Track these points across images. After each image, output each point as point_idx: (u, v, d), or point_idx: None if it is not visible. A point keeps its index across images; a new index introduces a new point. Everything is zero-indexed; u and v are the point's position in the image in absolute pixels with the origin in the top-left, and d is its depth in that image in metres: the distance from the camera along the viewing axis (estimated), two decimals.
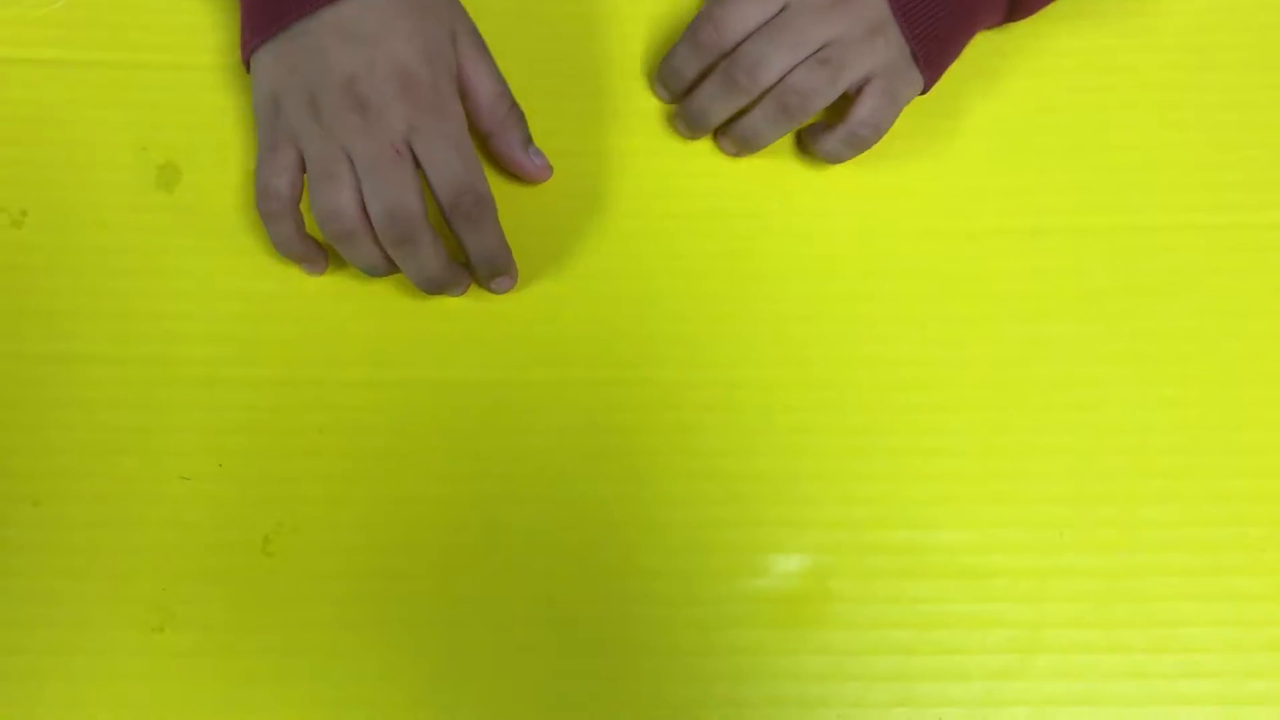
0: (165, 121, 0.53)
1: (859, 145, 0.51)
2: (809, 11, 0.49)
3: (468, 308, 0.51)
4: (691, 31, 0.50)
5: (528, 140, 0.51)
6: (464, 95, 0.49)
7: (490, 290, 0.50)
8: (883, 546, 0.49)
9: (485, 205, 0.47)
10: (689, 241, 0.52)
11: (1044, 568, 0.49)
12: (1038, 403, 0.50)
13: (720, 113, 0.50)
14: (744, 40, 0.49)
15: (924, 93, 0.51)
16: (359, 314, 0.51)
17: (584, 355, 0.51)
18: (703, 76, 0.51)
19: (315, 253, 0.50)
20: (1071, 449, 0.50)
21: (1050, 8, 0.54)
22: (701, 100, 0.51)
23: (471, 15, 0.50)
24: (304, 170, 0.47)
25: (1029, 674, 0.48)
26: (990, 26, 0.53)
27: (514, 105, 0.50)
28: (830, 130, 0.51)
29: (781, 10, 0.49)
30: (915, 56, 0.50)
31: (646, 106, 0.54)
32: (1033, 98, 0.53)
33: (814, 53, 0.49)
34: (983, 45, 0.54)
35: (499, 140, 0.50)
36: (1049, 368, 0.50)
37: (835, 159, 0.51)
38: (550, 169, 0.51)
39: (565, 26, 0.55)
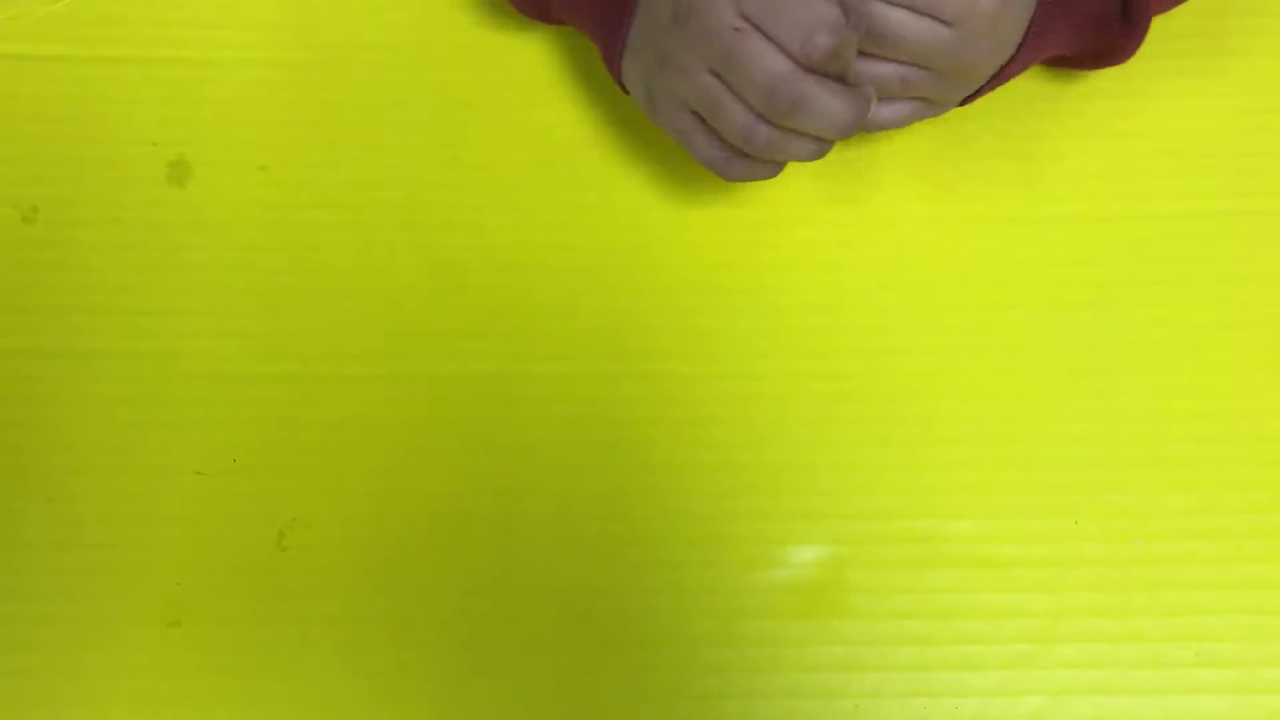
0: (175, 116, 0.53)
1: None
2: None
3: (479, 300, 0.51)
4: None
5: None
6: None
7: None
8: (899, 536, 0.49)
9: (839, 29, 0.41)
10: (702, 233, 0.52)
11: (1060, 557, 0.49)
12: (1052, 391, 0.50)
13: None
14: None
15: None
16: (370, 309, 0.51)
17: (597, 348, 0.51)
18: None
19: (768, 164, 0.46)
20: (1086, 437, 0.50)
21: None
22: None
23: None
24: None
25: (1046, 663, 0.48)
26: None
27: None
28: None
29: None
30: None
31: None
32: (1041, 84, 0.53)
33: None
34: None
35: None
36: (1063, 356, 0.50)
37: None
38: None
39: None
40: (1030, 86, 0.53)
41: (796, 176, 0.52)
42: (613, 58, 0.47)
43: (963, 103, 0.48)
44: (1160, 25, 0.53)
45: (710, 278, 0.51)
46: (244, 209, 0.52)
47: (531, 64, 0.54)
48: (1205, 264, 0.51)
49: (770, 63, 0.41)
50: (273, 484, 0.49)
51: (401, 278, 0.52)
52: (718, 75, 0.43)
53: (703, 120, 0.44)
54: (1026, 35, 0.45)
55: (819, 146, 0.44)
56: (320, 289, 0.52)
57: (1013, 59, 0.46)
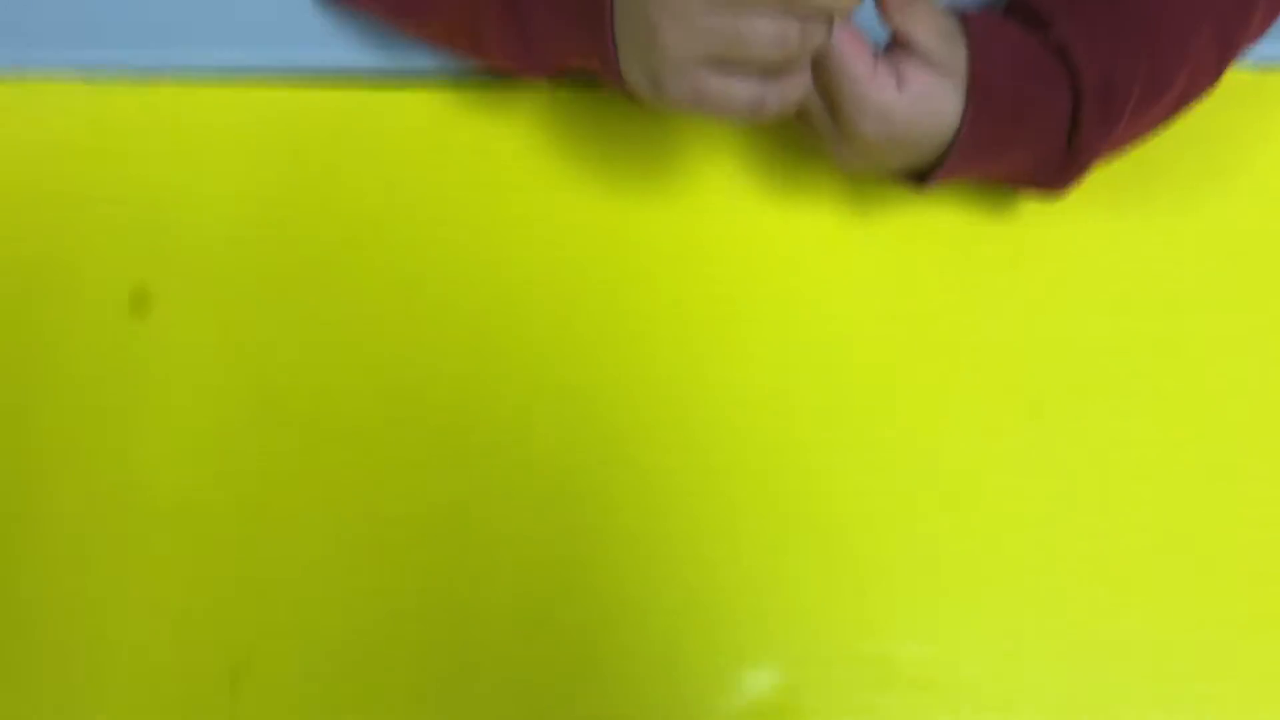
0: (139, 251, 0.54)
1: None
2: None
3: (435, 430, 0.52)
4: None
5: None
6: None
7: None
8: (851, 659, 0.50)
9: None
10: (652, 369, 0.53)
11: (1008, 676, 0.49)
12: (993, 514, 0.51)
13: None
14: None
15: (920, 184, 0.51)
16: (328, 441, 0.52)
17: (551, 481, 0.52)
18: None
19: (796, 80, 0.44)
20: (1029, 559, 0.51)
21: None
22: None
23: None
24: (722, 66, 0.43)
25: None
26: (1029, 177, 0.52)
27: None
28: None
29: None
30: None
31: (630, 221, 0.55)
32: (978, 206, 0.55)
33: None
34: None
35: None
36: (1006, 477, 0.52)
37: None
38: None
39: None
40: (966, 210, 0.55)
41: (739, 313, 0.54)
42: (609, 61, 0.46)
43: (921, 186, 0.50)
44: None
45: (660, 414, 0.52)
46: (205, 342, 0.53)
47: (486, 204, 0.55)
48: (1142, 381, 0.53)
49: None
50: (227, 622, 0.49)
51: (359, 409, 0.52)
52: (720, 9, 0.42)
53: (717, 68, 0.43)
54: (950, 152, 0.47)
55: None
56: (279, 420, 0.52)
57: (942, 165, 0.48)
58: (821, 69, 0.46)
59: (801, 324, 0.54)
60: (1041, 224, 0.55)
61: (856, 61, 0.46)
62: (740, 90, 0.43)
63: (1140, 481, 0.52)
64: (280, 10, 0.56)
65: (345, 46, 0.56)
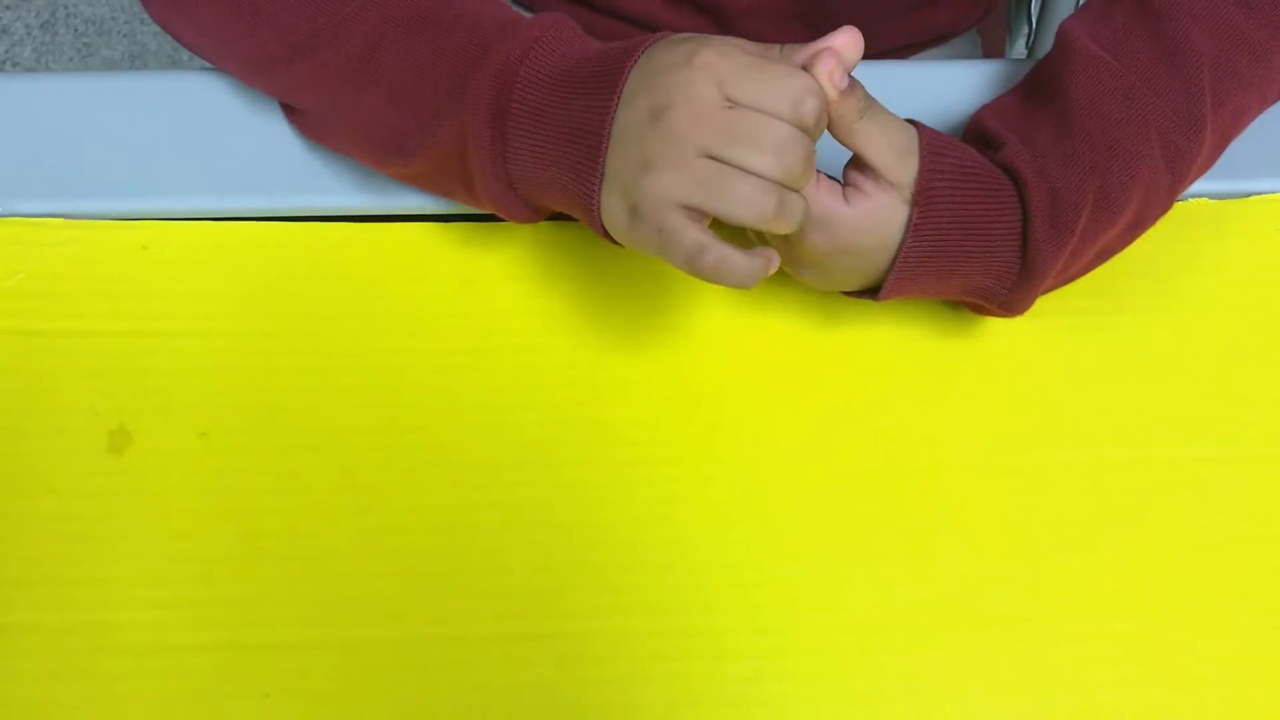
0: (117, 387, 0.55)
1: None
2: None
3: (417, 563, 0.52)
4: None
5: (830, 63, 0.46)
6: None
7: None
8: None
9: (813, 92, 0.45)
10: (631, 490, 0.53)
11: None
12: (981, 641, 0.51)
13: None
14: None
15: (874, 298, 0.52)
16: (306, 573, 0.51)
17: (531, 607, 0.51)
18: None
19: (756, 257, 0.46)
20: (1017, 688, 0.50)
21: None
22: None
23: None
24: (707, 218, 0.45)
25: None
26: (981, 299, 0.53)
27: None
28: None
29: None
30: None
31: (592, 352, 0.56)
32: (946, 341, 0.56)
33: None
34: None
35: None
36: (986, 605, 0.51)
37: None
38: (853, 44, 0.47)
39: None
40: (933, 344, 0.56)
41: (717, 434, 0.54)
42: (591, 190, 0.47)
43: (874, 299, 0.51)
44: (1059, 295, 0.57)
45: (640, 534, 0.52)
46: (183, 476, 0.53)
47: (467, 328, 0.56)
48: (1115, 510, 0.53)
49: (775, 128, 0.44)
50: None
51: (338, 541, 0.52)
52: (713, 157, 0.44)
53: (691, 215, 0.44)
54: (897, 261, 0.49)
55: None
56: (256, 555, 0.52)
57: (889, 275, 0.49)
58: None
59: (777, 440, 0.54)
60: (1010, 343, 0.56)
61: None
62: (704, 239, 0.44)
63: (1121, 607, 0.51)
64: (262, 159, 0.58)
65: (328, 191, 0.58)
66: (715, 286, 0.55)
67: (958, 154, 0.49)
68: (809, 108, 0.44)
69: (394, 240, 0.58)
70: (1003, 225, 0.49)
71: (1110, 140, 0.50)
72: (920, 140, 0.49)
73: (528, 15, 0.51)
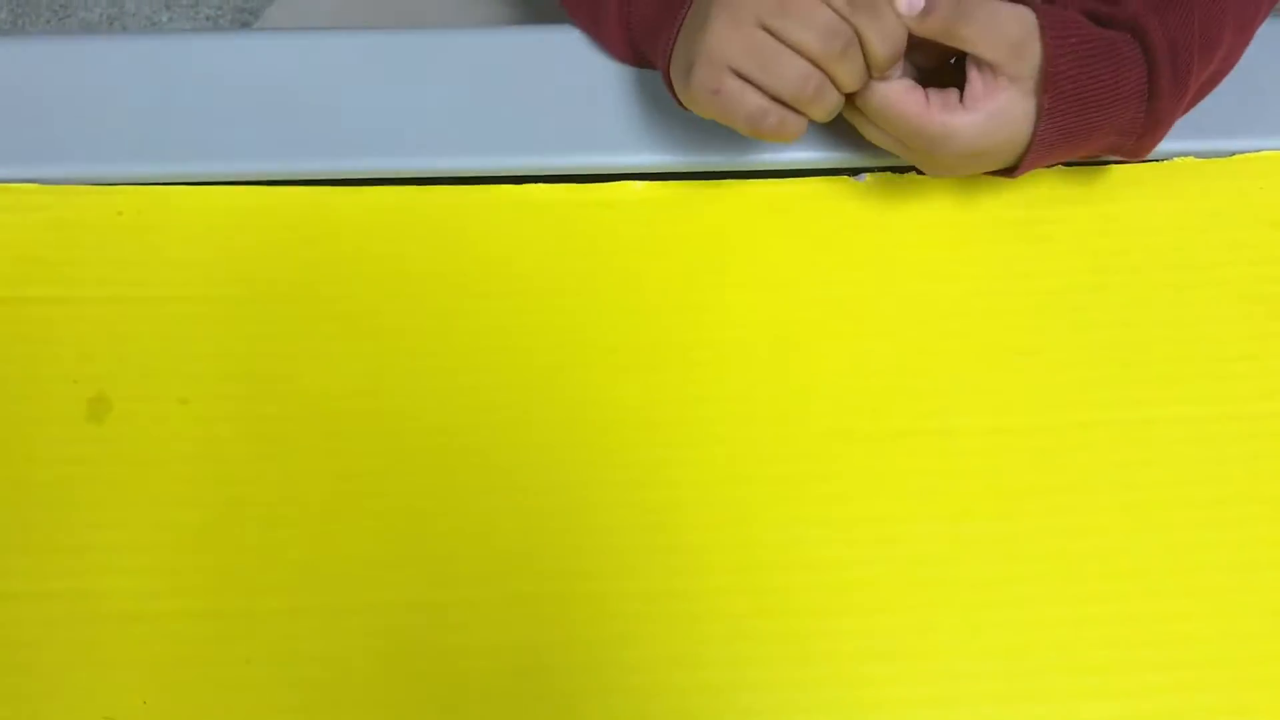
0: (96, 353, 0.54)
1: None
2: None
3: (398, 527, 0.52)
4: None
5: None
6: None
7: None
8: None
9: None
10: (616, 454, 0.53)
11: None
12: (965, 602, 0.51)
13: None
14: None
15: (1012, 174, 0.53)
16: (288, 540, 0.51)
17: (513, 572, 0.51)
18: None
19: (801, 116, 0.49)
20: (1001, 649, 0.50)
21: (944, 217, 0.57)
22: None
23: None
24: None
25: None
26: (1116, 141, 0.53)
27: None
28: None
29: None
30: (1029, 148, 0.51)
31: (576, 316, 0.55)
32: (941, 303, 0.56)
33: None
34: (890, 252, 0.56)
35: None
36: (973, 567, 0.51)
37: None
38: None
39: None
40: (923, 303, 0.55)
41: (699, 394, 0.54)
42: (669, 41, 0.51)
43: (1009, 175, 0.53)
44: (1048, 245, 0.56)
45: (623, 496, 0.52)
46: (163, 443, 0.53)
47: (449, 292, 0.55)
48: (1106, 472, 0.53)
49: (824, 12, 0.46)
50: None
51: (320, 507, 0.52)
52: (768, 28, 0.47)
53: (741, 77, 0.48)
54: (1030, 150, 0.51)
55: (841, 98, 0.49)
56: (238, 521, 0.52)
57: (1022, 161, 0.51)
58: (880, 116, 0.51)
59: (760, 418, 0.54)
60: (996, 303, 0.56)
61: (906, 103, 0.49)
62: (751, 100, 0.48)
63: (1106, 569, 0.51)
64: (239, 123, 0.58)
65: (305, 155, 0.57)
66: (696, 249, 0.56)
67: (1080, 29, 0.50)
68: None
69: (374, 204, 0.57)
70: (1129, 86, 0.50)
71: None
72: (1040, 23, 0.49)
73: None
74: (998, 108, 0.49)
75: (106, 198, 0.57)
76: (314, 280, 0.56)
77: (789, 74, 0.47)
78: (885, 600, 0.51)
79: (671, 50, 0.51)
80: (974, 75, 0.49)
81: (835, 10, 0.47)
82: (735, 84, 0.48)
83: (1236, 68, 0.55)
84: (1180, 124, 0.54)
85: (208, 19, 1.37)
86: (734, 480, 0.53)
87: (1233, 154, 0.58)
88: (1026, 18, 0.49)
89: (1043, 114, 0.49)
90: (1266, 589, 0.51)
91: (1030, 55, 0.49)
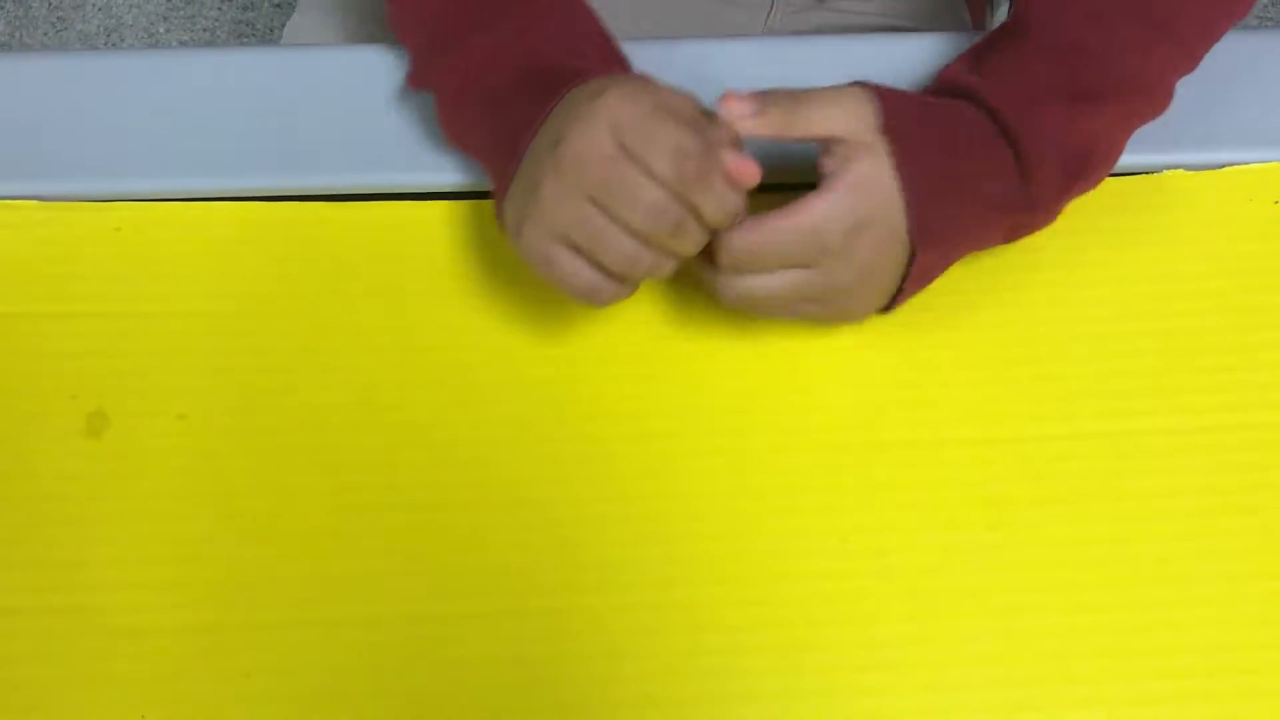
0: (94, 369, 0.54)
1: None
2: (817, 285, 0.49)
3: (396, 540, 0.52)
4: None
5: (733, 144, 0.47)
6: None
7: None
8: None
9: (708, 162, 0.45)
10: (608, 465, 0.53)
11: None
12: (957, 612, 0.51)
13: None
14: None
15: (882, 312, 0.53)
16: (285, 554, 0.51)
17: (510, 585, 0.51)
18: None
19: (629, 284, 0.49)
20: (993, 657, 0.50)
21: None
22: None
23: None
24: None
25: None
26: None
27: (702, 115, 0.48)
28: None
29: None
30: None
31: (569, 329, 0.56)
32: (932, 315, 0.56)
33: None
34: None
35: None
36: (966, 576, 0.52)
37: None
38: (754, 170, 0.46)
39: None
40: (912, 315, 0.56)
41: (698, 405, 0.54)
42: (501, 191, 0.50)
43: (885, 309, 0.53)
44: (1031, 256, 0.57)
45: (619, 509, 0.53)
46: (162, 458, 0.53)
47: (445, 307, 0.56)
48: (1096, 482, 0.53)
49: (651, 191, 0.45)
50: None
51: (318, 521, 0.52)
52: (597, 204, 0.45)
53: (573, 248, 0.46)
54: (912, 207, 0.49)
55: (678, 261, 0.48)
56: (236, 535, 0.52)
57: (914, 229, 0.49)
58: (748, 256, 0.49)
59: (752, 429, 0.54)
60: (989, 315, 0.56)
61: (766, 225, 0.48)
62: (586, 276, 0.47)
63: (1096, 578, 0.52)
64: (237, 139, 0.58)
65: (303, 171, 0.58)
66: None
67: (912, 92, 0.51)
68: (689, 167, 0.45)
69: (370, 219, 0.57)
70: (979, 129, 0.50)
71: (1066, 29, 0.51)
72: (870, 90, 0.49)
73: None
74: (856, 177, 0.48)
75: (104, 214, 0.57)
76: (312, 295, 0.56)
77: (619, 252, 0.46)
78: (878, 611, 0.51)
79: (504, 196, 0.50)
80: (825, 160, 0.48)
81: (664, 186, 0.45)
82: (566, 255, 0.47)
83: (1225, 80, 0.56)
84: (1169, 136, 0.54)
85: (205, 30, 1.38)
86: (728, 492, 0.53)
87: (1222, 166, 0.59)
88: (856, 89, 0.49)
89: (898, 166, 0.48)
90: (1256, 599, 0.51)
91: (869, 116, 0.48)
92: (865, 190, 0.48)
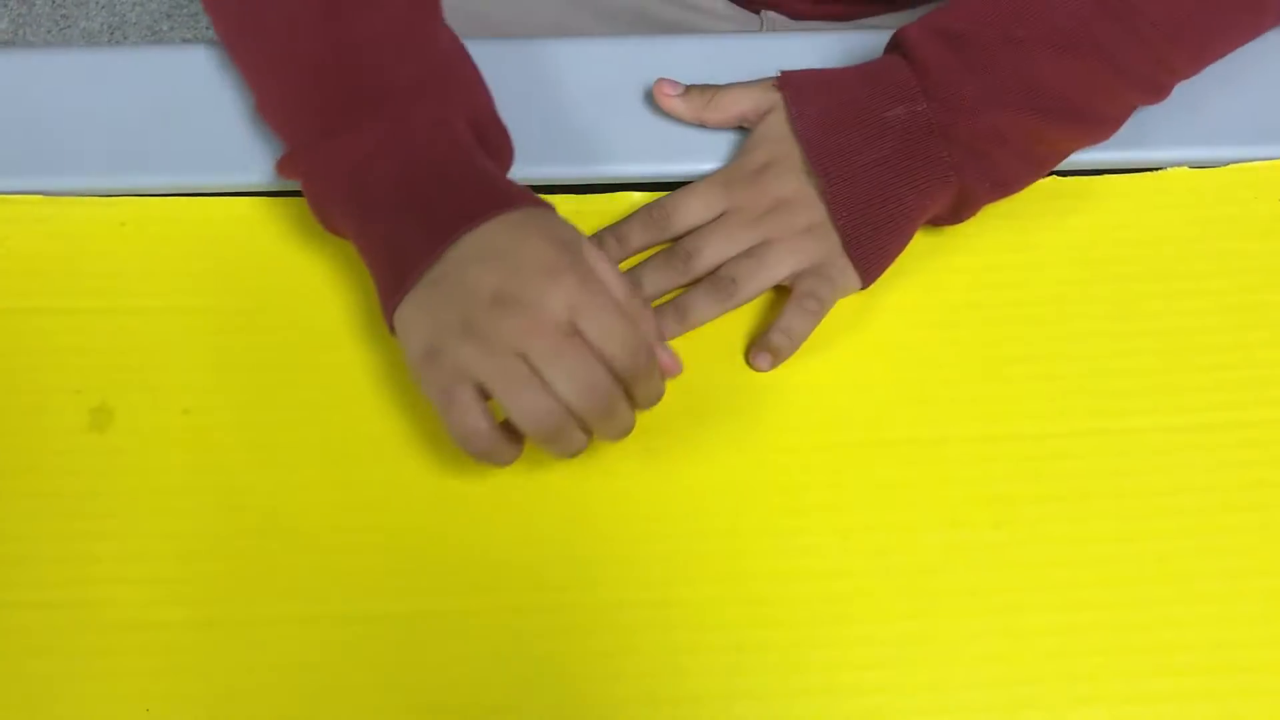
0: (99, 364, 0.54)
1: (777, 352, 0.54)
2: (745, 215, 0.54)
3: (399, 537, 0.52)
4: (645, 211, 0.56)
5: (659, 336, 0.50)
6: None
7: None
8: None
9: (648, 357, 0.48)
10: (612, 462, 0.53)
11: None
12: (960, 610, 0.51)
13: (656, 286, 0.55)
14: (687, 232, 0.55)
15: (863, 288, 0.55)
16: (288, 549, 0.52)
17: (513, 581, 0.51)
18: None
19: (517, 448, 0.49)
20: (996, 655, 0.50)
21: (951, 229, 0.57)
22: (643, 270, 0.55)
23: None
24: (487, 396, 0.47)
25: None
26: (934, 224, 0.56)
27: (646, 301, 0.50)
28: (754, 340, 0.55)
29: (722, 213, 0.55)
30: (850, 254, 0.54)
31: None
32: (934, 313, 0.56)
33: (746, 250, 0.54)
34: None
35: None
36: (968, 574, 0.52)
37: (760, 365, 0.55)
38: (678, 368, 0.50)
39: None
40: (913, 313, 0.56)
41: (703, 404, 0.54)
42: (392, 296, 0.49)
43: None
44: (1035, 254, 0.57)
45: (623, 507, 0.53)
46: (166, 453, 0.53)
47: None
48: (1098, 480, 0.53)
49: (596, 372, 0.46)
50: None
51: (322, 517, 0.52)
52: (528, 362, 0.46)
53: (480, 393, 0.46)
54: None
55: (586, 445, 0.49)
56: (241, 531, 0.52)
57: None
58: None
59: (752, 426, 0.54)
60: (990, 313, 0.56)
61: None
62: (481, 424, 0.47)
63: (1098, 576, 0.52)
64: (241, 134, 0.58)
65: None
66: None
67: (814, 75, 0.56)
68: (639, 362, 0.47)
69: None
70: (885, 66, 0.55)
71: None
72: (779, 75, 0.56)
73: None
74: (758, 132, 0.56)
75: (109, 209, 0.57)
76: (317, 290, 0.56)
77: (534, 413, 0.46)
78: (879, 609, 0.51)
79: (398, 303, 0.49)
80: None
81: (609, 367, 0.46)
82: (469, 397, 0.46)
83: (1230, 76, 0.56)
84: (1173, 133, 0.54)
85: (208, 27, 1.38)
86: (730, 491, 0.53)
87: (1226, 164, 0.59)
88: (768, 79, 0.57)
89: (788, 108, 0.55)
90: (1258, 596, 0.51)
91: (772, 91, 0.56)
92: (763, 139, 0.56)
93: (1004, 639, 0.51)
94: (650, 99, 0.59)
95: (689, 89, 0.57)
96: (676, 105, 0.57)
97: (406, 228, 0.49)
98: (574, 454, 0.49)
